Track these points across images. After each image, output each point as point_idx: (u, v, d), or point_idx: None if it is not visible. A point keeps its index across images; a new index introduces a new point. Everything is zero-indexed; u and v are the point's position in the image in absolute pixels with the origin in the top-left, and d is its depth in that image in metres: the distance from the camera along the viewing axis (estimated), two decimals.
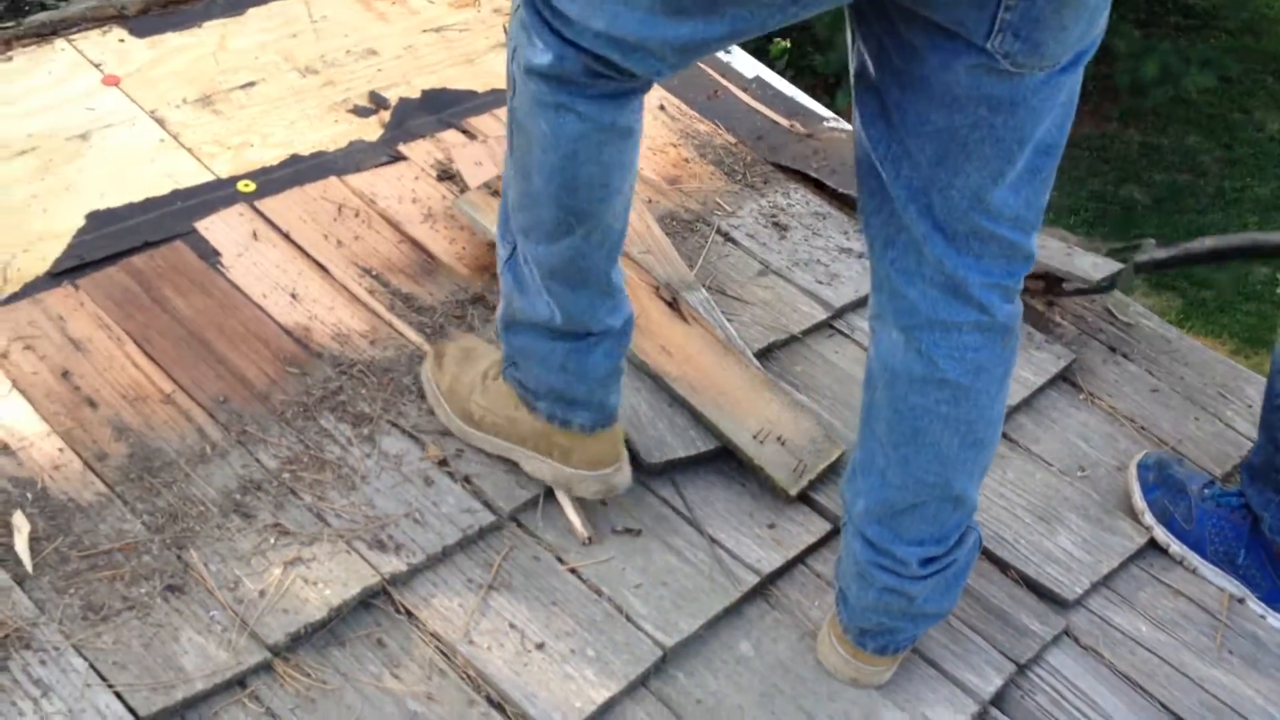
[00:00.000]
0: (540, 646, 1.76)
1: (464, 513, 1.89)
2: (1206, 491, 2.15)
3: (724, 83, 2.96)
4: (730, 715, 1.76)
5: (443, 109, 2.64)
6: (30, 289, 2.08)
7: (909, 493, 1.71)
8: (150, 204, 2.27)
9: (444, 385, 1.98)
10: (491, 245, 2.28)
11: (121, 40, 2.59)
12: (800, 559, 1.98)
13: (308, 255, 2.25)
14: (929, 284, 1.64)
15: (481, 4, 2.97)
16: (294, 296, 2.17)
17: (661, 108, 2.82)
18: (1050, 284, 2.56)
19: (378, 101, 2.62)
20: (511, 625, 1.78)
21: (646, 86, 1.66)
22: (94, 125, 2.40)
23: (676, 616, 1.83)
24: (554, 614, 1.80)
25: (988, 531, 2.07)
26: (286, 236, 2.27)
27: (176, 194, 2.30)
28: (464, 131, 2.58)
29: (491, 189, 2.32)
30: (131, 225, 2.22)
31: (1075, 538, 2.11)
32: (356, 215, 2.36)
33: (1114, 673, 1.95)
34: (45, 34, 2.55)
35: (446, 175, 2.47)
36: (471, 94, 2.69)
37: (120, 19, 2.64)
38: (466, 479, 1.95)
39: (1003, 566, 2.05)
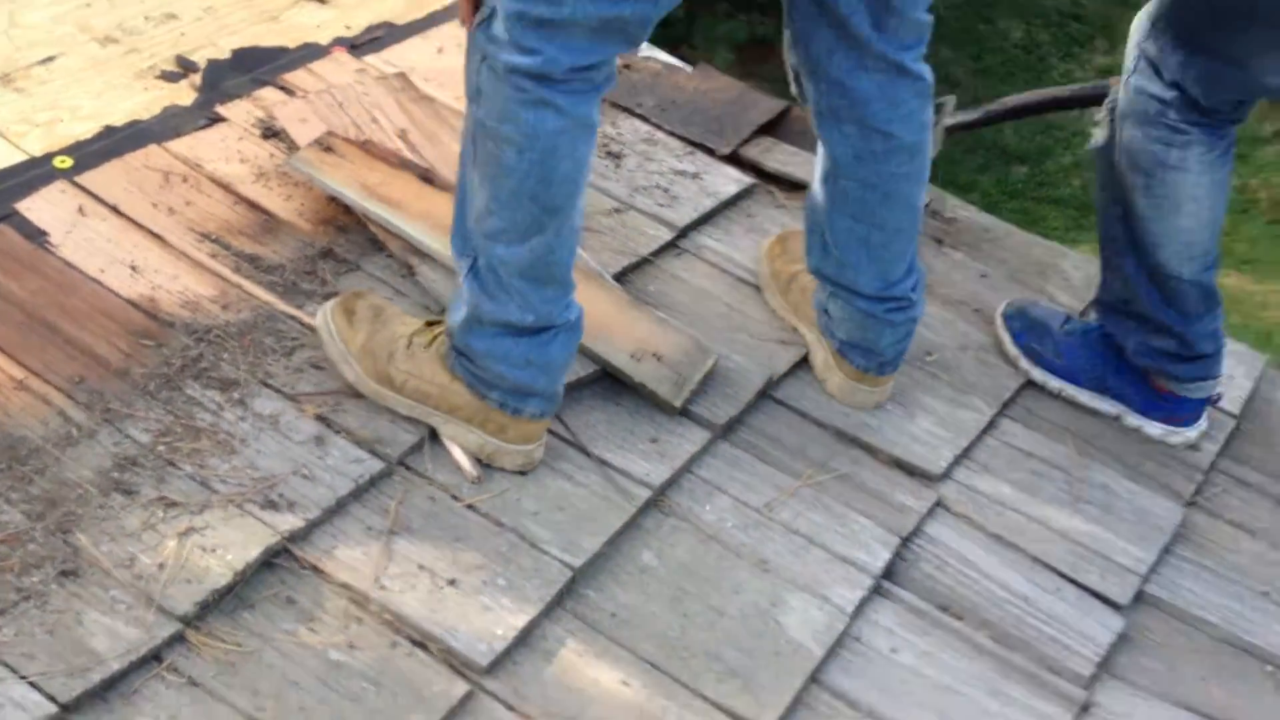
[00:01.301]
0: (452, 582, 1.76)
1: (352, 463, 1.87)
2: (1067, 327, 2.36)
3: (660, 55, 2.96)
4: (644, 622, 1.80)
5: (255, 67, 2.57)
6: None
7: (894, 246, 2.08)
8: None
9: (355, 344, 1.95)
10: (332, 200, 2.26)
11: None
12: (686, 468, 2.02)
13: (140, 226, 2.17)
14: (876, 73, 1.96)
15: None
16: (133, 269, 2.10)
17: None
18: None
19: (185, 65, 2.53)
20: (420, 566, 1.77)
21: (611, 80, 1.77)
22: None
23: (578, 537, 1.86)
24: (459, 550, 1.81)
25: (855, 421, 2.17)
26: (115, 210, 2.19)
27: None
28: (281, 88, 2.52)
29: (324, 145, 2.28)
30: None
31: (933, 418, 2.22)
32: (185, 181, 2.28)
33: (986, 534, 2.07)
34: None
35: (271, 133, 2.41)
36: (282, 50, 2.62)
37: None
38: (347, 430, 1.92)
39: (873, 451, 2.14)
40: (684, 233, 2.47)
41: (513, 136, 1.72)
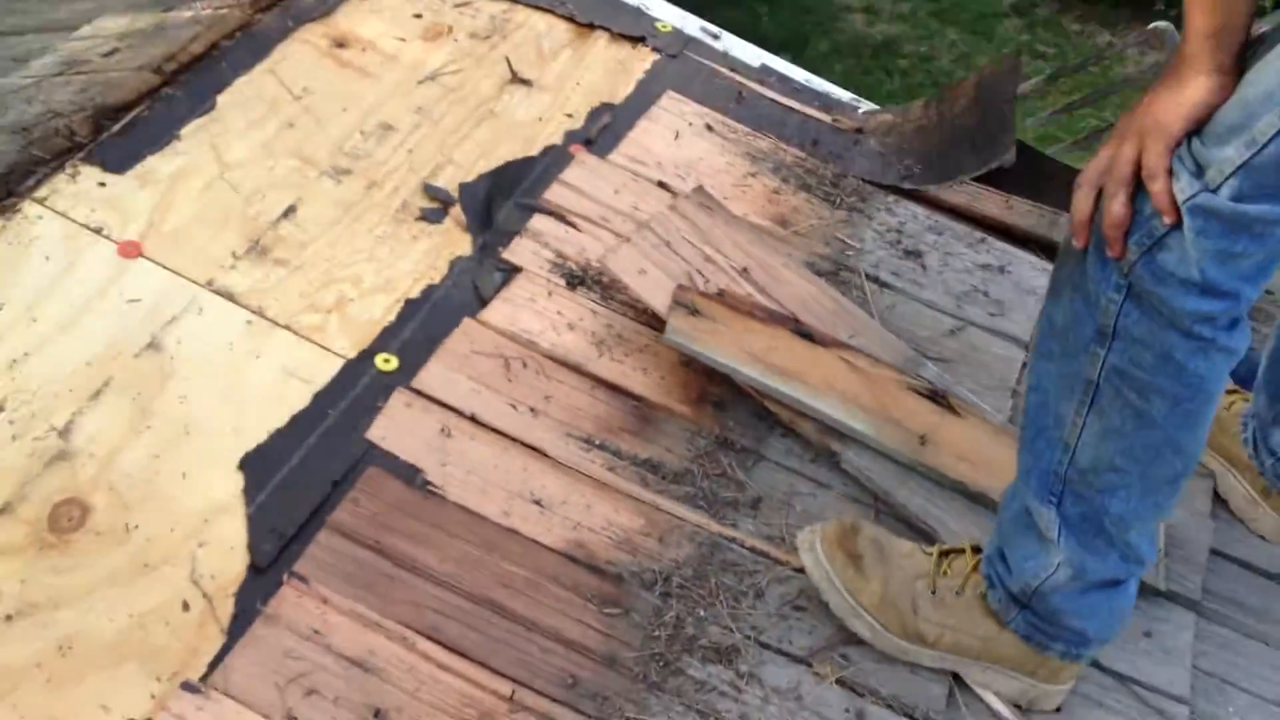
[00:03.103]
0: None
1: None
2: None
3: (736, 77, 2.61)
4: None
5: (510, 187, 2.16)
6: (246, 599, 1.53)
7: None
8: (298, 423, 1.72)
9: (869, 596, 1.65)
10: (699, 369, 1.93)
11: (102, 184, 1.92)
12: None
13: (514, 440, 1.79)
14: None
15: (455, 31, 2.44)
16: (539, 505, 1.73)
17: (709, 128, 2.45)
18: None
19: (439, 197, 2.10)
20: None
21: None
22: (152, 325, 1.77)
23: None
24: None
25: None
26: (475, 421, 1.80)
27: (318, 398, 1.75)
28: (552, 214, 2.13)
29: (689, 308, 1.93)
30: (295, 463, 1.67)
31: None
32: (525, 366, 1.90)
33: None
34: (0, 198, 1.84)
35: (576, 280, 2.03)
36: (528, 162, 2.22)
37: (76, 149, 1.95)
38: (875, 694, 1.65)
39: None
40: (1025, 345, 2.23)
41: (1170, 389, 1.44)
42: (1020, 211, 2.46)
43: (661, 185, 2.28)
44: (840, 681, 1.65)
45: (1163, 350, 1.41)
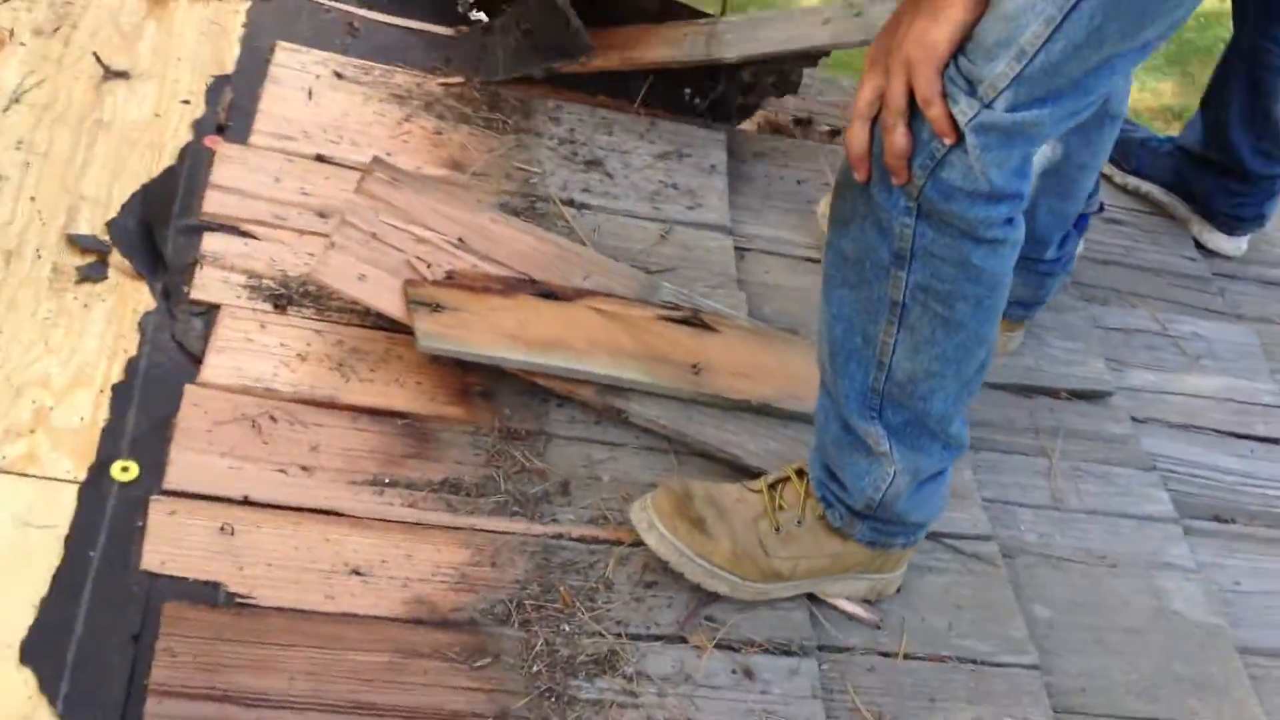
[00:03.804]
0: None
1: (790, 678, 1.62)
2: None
3: (340, 5, 2.37)
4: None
5: (165, 212, 1.88)
6: None
7: None
8: (62, 582, 1.45)
9: (723, 555, 1.62)
10: (455, 365, 1.80)
11: None
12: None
13: (301, 510, 1.61)
14: None
15: (15, 33, 2.06)
16: (359, 573, 1.57)
17: (339, 75, 2.22)
18: None
19: (92, 247, 1.80)
20: None
21: None
22: None
23: (996, 627, 1.78)
24: (951, 698, 1.67)
25: (1017, 369, 2.18)
26: (250, 503, 1.60)
27: (69, 544, 1.49)
28: (224, 229, 1.88)
29: (430, 305, 1.77)
30: (82, 632, 1.43)
31: (1054, 333, 2.28)
32: (276, 420, 1.69)
33: (1170, 426, 2.22)
34: None
35: (285, 300, 1.82)
36: (168, 172, 1.93)
37: None
38: (754, 644, 1.65)
39: (1053, 393, 2.18)
40: (729, 230, 2.23)
41: (972, 293, 1.46)
42: (671, 39, 2.39)
43: (321, 159, 2.06)
44: (719, 646, 1.64)
45: (960, 259, 1.44)
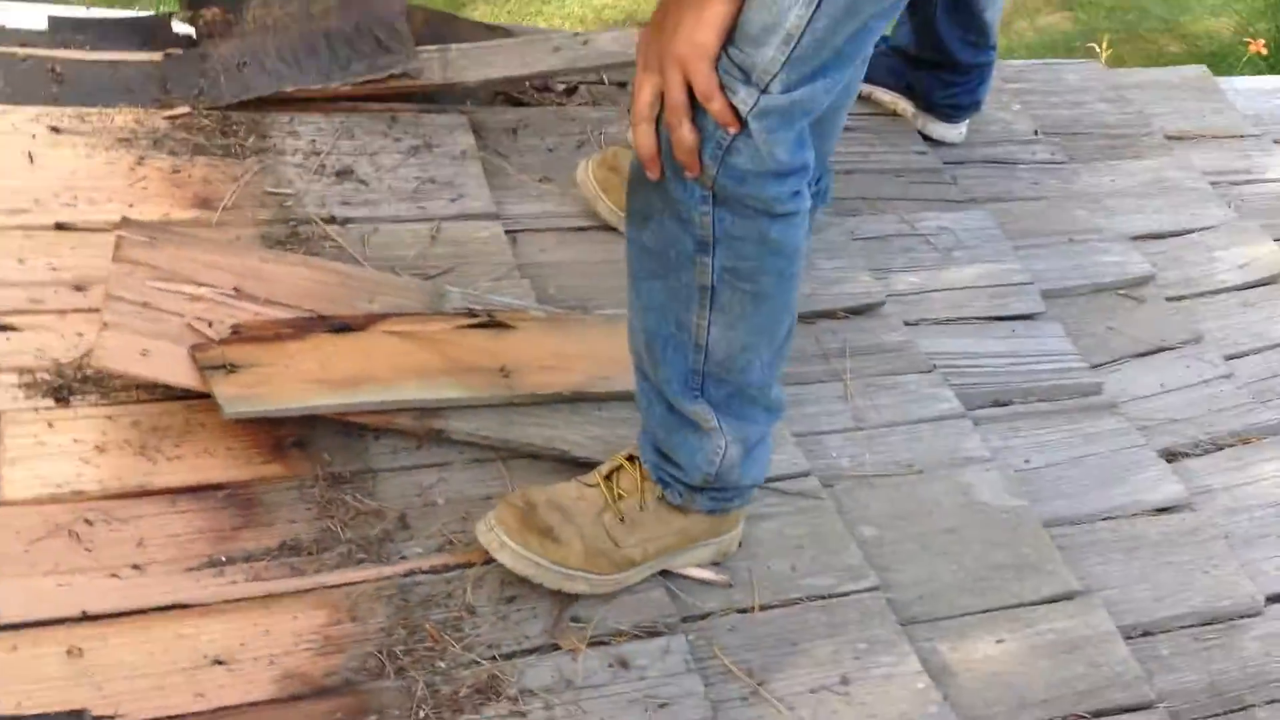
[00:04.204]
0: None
1: (663, 658, 1.68)
2: None
3: (37, 51, 2.21)
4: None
5: None
6: None
7: None
8: None
9: (576, 558, 1.66)
10: (264, 422, 1.76)
11: None
12: None
13: (145, 612, 1.56)
14: None
15: None
16: (221, 663, 1.54)
17: (56, 129, 2.09)
18: None
19: None
20: (811, 690, 1.72)
21: None
22: None
23: (835, 558, 1.88)
24: (808, 650, 1.77)
25: None
26: (89, 618, 1.53)
27: None
28: None
29: (224, 366, 1.71)
30: None
31: None
32: (91, 524, 1.62)
33: (934, 324, 2.36)
34: None
35: (66, 392, 1.73)
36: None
37: None
38: (623, 633, 1.69)
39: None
40: (496, 215, 2.22)
41: (774, 265, 1.52)
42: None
43: (61, 227, 1.94)
44: (590, 643, 1.68)
45: (760, 237, 1.50)
